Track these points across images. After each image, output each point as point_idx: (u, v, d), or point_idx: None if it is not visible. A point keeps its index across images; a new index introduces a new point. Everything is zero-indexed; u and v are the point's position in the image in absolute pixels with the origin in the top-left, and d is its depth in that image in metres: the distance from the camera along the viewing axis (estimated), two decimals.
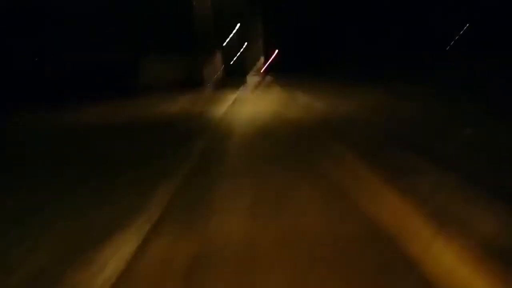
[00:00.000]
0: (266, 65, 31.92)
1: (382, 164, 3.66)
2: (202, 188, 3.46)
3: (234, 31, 49.30)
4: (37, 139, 7.55)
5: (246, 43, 58.52)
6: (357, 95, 10.38)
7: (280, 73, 55.60)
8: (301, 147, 4.64)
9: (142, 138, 6.44)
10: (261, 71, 31.55)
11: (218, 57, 32.33)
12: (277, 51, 63.67)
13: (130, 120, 9.22)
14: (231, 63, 54.34)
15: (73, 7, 31.02)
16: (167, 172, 3.93)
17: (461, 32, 26.81)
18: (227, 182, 3.61)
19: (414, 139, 4.50)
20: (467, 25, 25.97)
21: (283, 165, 3.95)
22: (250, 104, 10.32)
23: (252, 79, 40.41)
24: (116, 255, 2.34)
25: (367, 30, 44.95)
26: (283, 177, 3.58)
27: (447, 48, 26.86)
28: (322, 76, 33.32)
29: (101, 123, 9.12)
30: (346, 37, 49.70)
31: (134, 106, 13.19)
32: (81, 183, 3.99)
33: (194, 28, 17.46)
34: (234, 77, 44.56)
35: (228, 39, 51.89)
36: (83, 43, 32.84)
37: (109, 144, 6.07)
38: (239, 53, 59.29)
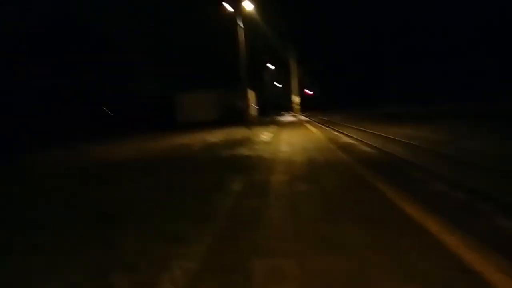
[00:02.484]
0: (300, 103, 32.25)
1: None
2: None
3: (269, 69, 50.64)
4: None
5: (280, 83, 59.74)
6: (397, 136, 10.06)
7: (314, 111, 55.63)
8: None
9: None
10: (295, 110, 31.83)
11: (252, 95, 33.01)
12: (312, 91, 64.10)
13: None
14: (265, 101, 55.33)
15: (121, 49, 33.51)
16: None
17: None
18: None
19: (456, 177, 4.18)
20: None
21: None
22: (284, 144, 10.26)
23: (286, 117, 40.60)
24: None
25: (400, 70, 44.61)
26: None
27: None
28: (357, 113, 32.99)
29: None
30: (381, 77, 49.54)
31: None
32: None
33: (236, 67, 18.37)
34: (268, 115, 45.11)
35: (262, 78, 53.28)
36: (128, 83, 35.26)
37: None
38: (273, 92, 60.49)
